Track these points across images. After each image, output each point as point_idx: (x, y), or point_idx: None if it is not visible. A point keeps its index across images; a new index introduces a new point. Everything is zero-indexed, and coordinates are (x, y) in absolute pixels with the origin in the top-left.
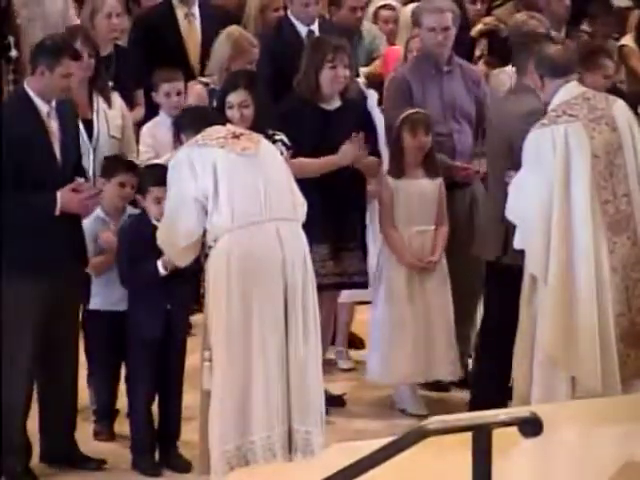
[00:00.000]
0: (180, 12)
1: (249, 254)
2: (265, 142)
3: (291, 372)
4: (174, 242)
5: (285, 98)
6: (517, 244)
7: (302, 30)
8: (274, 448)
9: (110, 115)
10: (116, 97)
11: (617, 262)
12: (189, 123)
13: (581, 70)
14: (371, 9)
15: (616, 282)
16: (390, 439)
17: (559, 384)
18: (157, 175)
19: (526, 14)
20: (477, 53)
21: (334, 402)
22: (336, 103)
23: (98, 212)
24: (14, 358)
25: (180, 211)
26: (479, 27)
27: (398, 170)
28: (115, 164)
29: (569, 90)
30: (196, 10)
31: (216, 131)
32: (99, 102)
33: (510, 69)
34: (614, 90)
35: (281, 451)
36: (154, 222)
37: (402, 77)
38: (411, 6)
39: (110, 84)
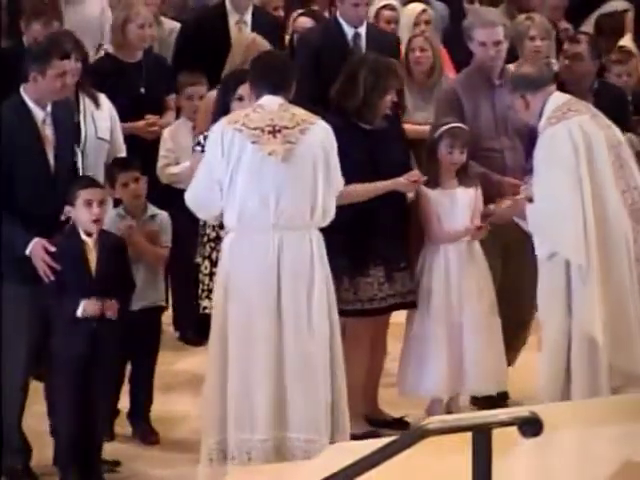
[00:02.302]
0: (232, 19)
1: (244, 260)
2: (309, 136)
3: (288, 382)
4: (197, 211)
5: (331, 117)
6: (540, 254)
7: (349, 32)
8: (251, 452)
9: (98, 116)
10: (103, 99)
11: (639, 252)
12: (253, 73)
13: None
14: (373, 9)
15: (638, 272)
16: (391, 439)
17: (600, 375)
18: (83, 179)
19: (525, 16)
20: None
21: None
22: (375, 122)
23: (119, 210)
24: (12, 358)
25: (197, 184)
26: None
27: (433, 181)
28: (113, 167)
29: (557, 97)
30: (249, 17)
31: (261, 116)
32: (86, 104)
33: (511, 66)
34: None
35: (261, 456)
36: (84, 237)
37: (452, 90)
38: (411, 6)
39: (142, 90)
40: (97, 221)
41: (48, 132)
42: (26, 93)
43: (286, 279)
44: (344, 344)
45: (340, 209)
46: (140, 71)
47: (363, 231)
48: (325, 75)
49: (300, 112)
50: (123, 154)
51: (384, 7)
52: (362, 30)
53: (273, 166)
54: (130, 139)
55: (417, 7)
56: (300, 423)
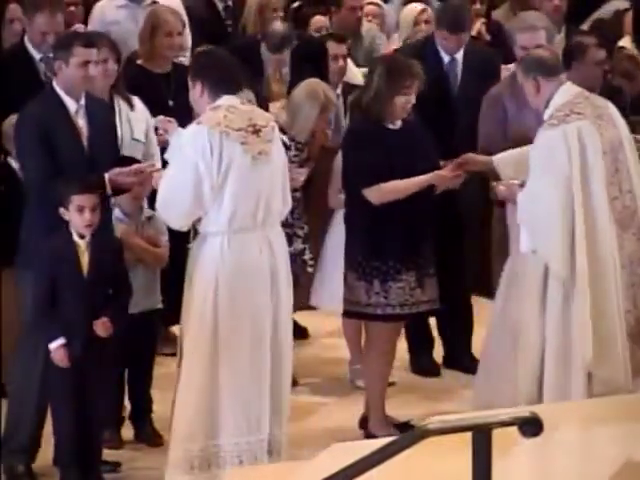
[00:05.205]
0: None
1: (240, 263)
2: (277, 133)
3: (275, 381)
4: (173, 216)
5: (354, 119)
6: (524, 247)
7: (445, 57)
8: (242, 455)
9: (133, 118)
10: (137, 101)
11: (625, 258)
12: (207, 72)
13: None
14: None
15: (624, 279)
16: (391, 439)
17: (572, 383)
18: (77, 182)
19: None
20: None
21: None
22: (398, 123)
23: (117, 213)
24: (27, 361)
25: (179, 189)
26: (478, 25)
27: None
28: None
29: (567, 90)
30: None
31: (239, 116)
32: (120, 105)
33: (512, 66)
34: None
35: (251, 458)
36: (76, 239)
37: (497, 95)
38: (411, 6)
39: (170, 102)
40: (89, 226)
41: (81, 124)
42: (57, 85)
43: (277, 277)
44: (366, 348)
45: (370, 213)
46: (169, 82)
47: (396, 236)
48: (420, 103)
49: (261, 110)
50: (157, 155)
51: (368, 3)
52: (459, 55)
53: (261, 166)
54: None
55: (416, 7)
56: (285, 421)
